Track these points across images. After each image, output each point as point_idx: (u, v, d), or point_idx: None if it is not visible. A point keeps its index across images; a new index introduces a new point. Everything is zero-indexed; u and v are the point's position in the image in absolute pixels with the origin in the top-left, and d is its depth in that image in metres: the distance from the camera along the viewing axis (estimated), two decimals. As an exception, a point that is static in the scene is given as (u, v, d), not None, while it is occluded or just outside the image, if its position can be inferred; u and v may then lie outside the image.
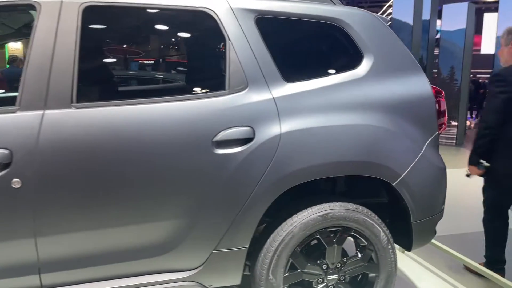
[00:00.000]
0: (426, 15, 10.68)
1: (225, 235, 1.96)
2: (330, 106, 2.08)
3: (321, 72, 2.17)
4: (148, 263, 1.93)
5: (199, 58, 2.14)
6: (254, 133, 1.95)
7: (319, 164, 2.01)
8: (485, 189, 2.97)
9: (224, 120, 1.93)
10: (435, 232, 2.37)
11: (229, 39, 2.00)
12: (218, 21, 1.99)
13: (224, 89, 1.98)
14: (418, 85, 2.25)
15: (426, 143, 2.22)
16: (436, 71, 11.32)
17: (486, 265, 2.95)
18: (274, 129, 1.97)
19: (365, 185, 2.33)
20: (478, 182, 3.04)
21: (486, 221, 2.99)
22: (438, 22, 11.69)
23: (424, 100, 2.24)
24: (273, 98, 2.01)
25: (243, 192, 1.94)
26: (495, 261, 2.94)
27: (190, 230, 1.93)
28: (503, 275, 2.86)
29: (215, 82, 2.06)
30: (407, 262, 3.24)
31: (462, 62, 10.11)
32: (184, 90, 2.08)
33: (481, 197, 3.04)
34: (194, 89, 2.09)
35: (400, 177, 2.13)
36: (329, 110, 2.07)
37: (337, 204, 2.11)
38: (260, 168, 1.95)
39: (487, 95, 2.88)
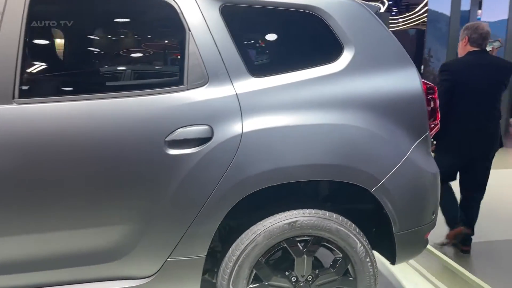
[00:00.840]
0: (465, 5, 10.09)
1: (180, 242, 1.82)
2: (302, 103, 1.89)
3: (294, 66, 1.97)
4: (99, 269, 1.81)
5: (156, 51, 1.99)
6: (212, 133, 1.79)
7: (284, 168, 1.83)
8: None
9: (178, 118, 1.78)
10: (424, 245, 2.13)
11: (189, 30, 1.84)
12: (178, 10, 1.84)
13: (181, 84, 1.83)
14: (406, 80, 2.01)
15: (413, 146, 1.99)
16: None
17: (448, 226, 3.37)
18: (235, 128, 1.80)
19: (349, 191, 2.13)
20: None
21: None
22: (478, 12, 11.03)
23: (412, 98, 2.00)
24: (236, 94, 1.84)
25: (198, 197, 1.79)
26: (453, 218, 3.34)
27: (143, 236, 1.80)
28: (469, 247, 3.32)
29: (172, 77, 1.92)
30: (404, 269, 2.99)
31: (503, 55, 9.49)
32: (138, 85, 1.94)
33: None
34: (149, 84, 1.95)
35: (380, 183, 1.91)
36: (300, 108, 1.88)
37: (307, 211, 1.91)
38: (218, 171, 1.79)
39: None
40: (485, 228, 3.77)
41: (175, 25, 1.86)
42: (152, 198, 1.77)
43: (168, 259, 1.83)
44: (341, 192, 2.13)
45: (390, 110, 1.96)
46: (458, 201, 3.35)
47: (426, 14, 10.56)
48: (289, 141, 1.84)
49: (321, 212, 1.92)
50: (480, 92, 3.05)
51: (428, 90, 2.06)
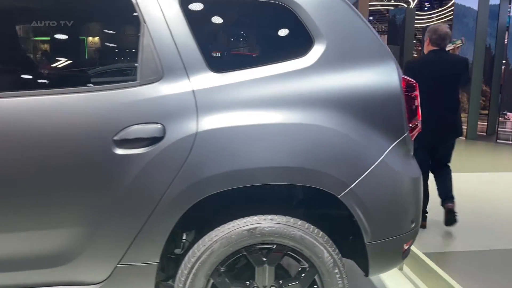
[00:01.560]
0: (494, -1, 9.66)
1: (131, 248, 1.71)
2: (264, 100, 1.75)
3: (259, 61, 1.84)
4: (46, 274, 1.72)
5: (108, 45, 1.89)
6: (164, 132, 1.67)
7: (241, 170, 1.69)
8: None
9: (128, 116, 1.67)
10: (402, 256, 1.95)
11: (144, 22, 1.73)
12: (133, 1, 1.73)
13: (134, 79, 1.72)
14: (383, 76, 1.84)
15: (389, 148, 1.81)
16: (505, 61, 10.20)
17: None
18: (189, 127, 1.68)
19: (321, 196, 1.97)
20: None
21: None
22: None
23: (389, 95, 1.83)
24: (193, 90, 1.72)
25: (148, 200, 1.68)
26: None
27: (91, 240, 1.70)
28: (424, 223, 3.76)
29: (124, 72, 1.81)
30: (400, 281, 2.80)
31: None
32: (88, 81, 1.84)
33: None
34: (100, 79, 1.84)
35: (348, 188, 1.75)
36: (262, 106, 1.74)
37: (268, 217, 1.77)
38: (169, 172, 1.67)
39: None
40: (487, 235, 3.55)
41: (129, 17, 1.76)
42: (99, 200, 1.67)
43: (118, 265, 1.73)
44: (312, 197, 1.97)
45: (363, 108, 1.80)
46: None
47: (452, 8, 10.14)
48: (248, 141, 1.70)
49: (284, 218, 1.78)
50: (438, 85, 3.49)
51: (408, 87, 1.88)
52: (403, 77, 1.88)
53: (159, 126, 1.67)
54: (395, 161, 1.82)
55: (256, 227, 1.75)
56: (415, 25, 13.05)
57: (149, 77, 1.72)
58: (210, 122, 1.69)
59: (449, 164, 3.76)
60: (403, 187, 1.86)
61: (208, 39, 1.83)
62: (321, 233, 1.81)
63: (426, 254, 3.00)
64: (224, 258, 1.77)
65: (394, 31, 11.90)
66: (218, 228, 1.77)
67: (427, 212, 3.78)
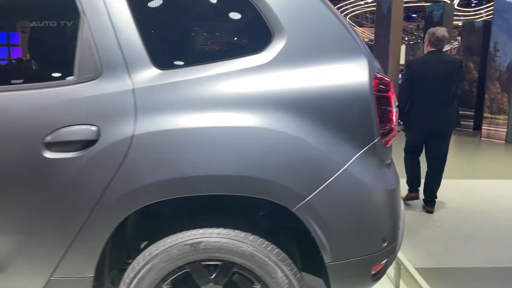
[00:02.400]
0: (538, -8, 8.98)
1: (63, 260, 1.58)
2: (211, 101, 1.56)
3: (211, 56, 1.66)
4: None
5: (44, 39, 1.75)
6: (99, 134, 1.53)
7: (180, 178, 1.52)
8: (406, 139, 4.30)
9: (60, 117, 1.54)
10: (372, 279, 1.71)
11: (84, 15, 1.59)
12: None
13: (70, 77, 1.59)
14: (351, 75, 1.61)
15: (355, 156, 1.59)
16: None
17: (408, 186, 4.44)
18: (126, 130, 1.53)
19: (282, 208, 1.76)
20: None
21: (405, 159, 4.34)
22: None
23: (356, 96, 1.60)
24: (133, 89, 1.56)
25: (80, 209, 1.54)
26: (411, 183, 4.43)
27: (21, 250, 1.58)
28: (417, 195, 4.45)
29: (60, 69, 1.67)
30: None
31: None
32: (20, 78, 1.72)
33: None
34: (33, 76, 1.72)
35: (304, 201, 1.54)
36: (209, 107, 1.55)
37: (215, 230, 1.59)
38: (102, 179, 1.52)
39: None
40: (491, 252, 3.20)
41: (67, 8, 1.62)
42: (28, 207, 1.54)
43: (51, 278, 1.60)
44: (273, 209, 1.77)
45: (325, 111, 1.58)
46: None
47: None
48: (189, 146, 1.52)
49: (233, 233, 1.59)
50: (433, 82, 3.92)
51: (379, 87, 1.64)
52: (377, 76, 1.64)
53: (93, 128, 1.53)
54: (362, 171, 1.60)
55: (200, 242, 1.57)
56: (459, 22, 12.36)
57: (86, 74, 1.57)
58: (148, 124, 1.53)
59: (443, 162, 4.18)
60: (372, 200, 1.62)
61: (154, 33, 1.66)
62: (276, 250, 1.61)
63: (426, 269, 2.73)
64: (166, 275, 1.60)
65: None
66: (160, 241, 1.60)
67: (436, 197, 4.20)
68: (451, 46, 4.29)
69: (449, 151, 4.20)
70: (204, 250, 1.57)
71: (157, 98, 1.56)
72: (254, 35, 1.69)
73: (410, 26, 29.52)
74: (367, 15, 27.54)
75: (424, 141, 4.17)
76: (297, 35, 1.62)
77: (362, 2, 23.75)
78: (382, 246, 1.66)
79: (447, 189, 4.97)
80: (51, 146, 1.52)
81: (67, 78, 1.59)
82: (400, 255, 2.76)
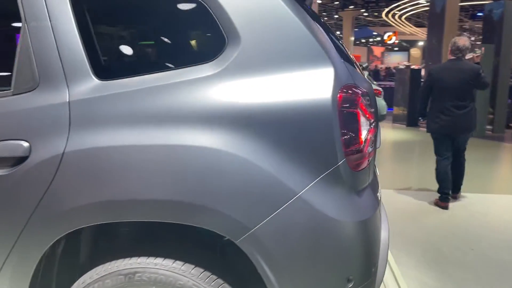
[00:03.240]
0: None
1: None
2: (150, 116, 1.39)
3: (156, 66, 1.50)
4: None
5: None
6: (30, 150, 1.41)
7: (107, 202, 1.37)
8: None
9: None
10: None
11: (25, 21, 1.48)
12: None
13: (7, 88, 1.48)
14: (311, 87, 1.38)
15: (313, 182, 1.36)
16: None
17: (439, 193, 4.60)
18: (57, 146, 1.40)
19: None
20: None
21: (436, 162, 4.62)
22: None
23: (315, 112, 1.37)
24: (68, 101, 1.43)
25: (7, 233, 1.43)
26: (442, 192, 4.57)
27: None
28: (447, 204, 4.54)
29: (1, 80, 1.57)
30: None
31: None
32: None
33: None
34: None
35: (249, 232, 1.33)
36: (147, 122, 1.39)
37: (154, 260, 1.42)
38: (31, 200, 1.40)
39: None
40: None
41: (11, 16, 1.52)
42: None
43: None
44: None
45: (278, 129, 1.36)
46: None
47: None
48: (123, 166, 1.37)
49: (173, 264, 1.41)
50: (451, 88, 4.39)
51: (345, 102, 1.39)
52: (344, 88, 1.40)
53: (25, 144, 1.41)
54: (321, 199, 1.36)
55: (136, 272, 1.41)
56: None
57: (23, 85, 1.47)
58: (81, 140, 1.39)
59: (465, 153, 4.67)
60: (333, 234, 1.38)
61: (99, 40, 1.52)
62: (222, 284, 1.42)
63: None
64: (101, 307, 1.45)
65: (490, 28, 10.49)
66: (95, 268, 1.46)
67: (449, 194, 4.56)
68: (474, 54, 4.65)
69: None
70: (140, 282, 1.40)
71: (92, 111, 1.41)
72: (207, 41, 1.52)
73: (477, 25, 27.78)
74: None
75: (447, 141, 4.52)
76: (252, 41, 1.42)
77: (422, 1, 22.69)
78: (346, 287, 1.41)
79: (495, 205, 4.57)
80: None
81: (3, 90, 1.48)
82: (416, 278, 2.46)
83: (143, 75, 1.45)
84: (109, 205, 1.37)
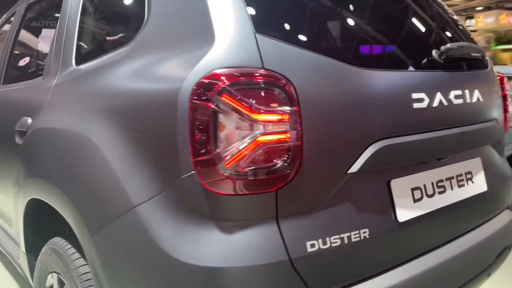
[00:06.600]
0: None
1: None
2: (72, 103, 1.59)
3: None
4: None
5: None
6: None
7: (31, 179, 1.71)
8: None
9: None
10: None
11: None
12: None
13: None
14: (174, 72, 1.19)
15: (152, 197, 1.14)
16: None
17: None
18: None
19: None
20: None
21: None
22: None
23: (162, 107, 1.15)
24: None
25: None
26: None
27: None
28: None
29: None
30: None
31: None
32: None
33: None
34: None
35: (89, 238, 1.28)
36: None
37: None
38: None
39: None
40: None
41: None
42: None
43: None
44: None
45: (135, 125, 1.23)
46: None
47: None
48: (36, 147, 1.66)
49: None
50: None
51: (200, 94, 1.07)
52: (213, 75, 1.07)
53: None
54: (159, 221, 1.13)
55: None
56: None
57: None
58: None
59: None
60: (164, 273, 1.11)
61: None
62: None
63: None
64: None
65: None
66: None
67: None
68: None
69: None
70: None
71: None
72: (129, 23, 1.56)
73: None
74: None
75: None
76: (155, 22, 1.30)
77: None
78: None
79: None
80: None
81: None
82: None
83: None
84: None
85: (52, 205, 1.47)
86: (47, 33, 2.03)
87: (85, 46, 1.70)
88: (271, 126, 1.06)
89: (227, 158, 1.05)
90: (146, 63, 1.26)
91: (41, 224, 1.71)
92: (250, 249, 1.08)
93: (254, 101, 1.05)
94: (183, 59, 1.16)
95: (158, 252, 1.10)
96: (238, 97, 1.04)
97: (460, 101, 1.47)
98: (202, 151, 1.06)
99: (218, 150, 1.05)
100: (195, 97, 1.06)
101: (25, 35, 2.26)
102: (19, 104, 1.84)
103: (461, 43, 1.54)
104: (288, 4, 1.30)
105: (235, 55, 1.10)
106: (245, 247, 1.08)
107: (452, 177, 1.53)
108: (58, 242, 1.53)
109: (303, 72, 1.14)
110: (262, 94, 1.06)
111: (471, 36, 1.85)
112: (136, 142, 1.20)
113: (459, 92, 1.46)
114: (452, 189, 1.51)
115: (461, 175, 1.57)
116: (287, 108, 1.08)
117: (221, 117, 1.05)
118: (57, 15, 1.78)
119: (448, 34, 1.72)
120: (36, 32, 2.20)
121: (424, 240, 1.43)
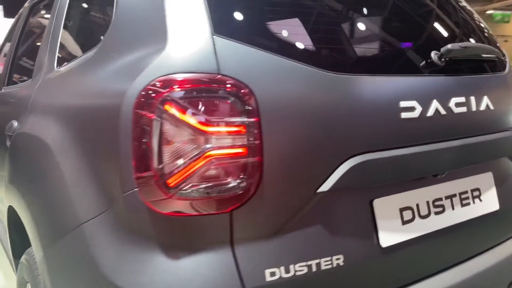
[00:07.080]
0: None
1: None
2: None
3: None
4: None
5: None
6: None
7: None
8: None
9: None
10: None
11: None
12: None
13: None
14: (122, 75, 1.09)
15: (101, 213, 1.07)
16: None
17: None
18: None
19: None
20: None
21: None
22: None
23: (107, 114, 1.09)
24: None
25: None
26: None
27: None
28: None
29: None
30: None
31: None
32: None
33: None
34: None
35: (40, 254, 1.24)
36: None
37: None
38: None
39: None
40: None
41: None
42: None
43: None
44: None
45: (83, 130, 1.19)
46: None
47: None
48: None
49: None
50: None
51: (144, 103, 0.96)
52: (157, 83, 0.96)
53: None
54: (101, 241, 1.05)
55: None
56: None
57: None
58: None
59: None
60: None
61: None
62: None
63: None
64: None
65: None
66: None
67: None
68: None
69: None
70: None
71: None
72: (101, 25, 1.44)
73: None
74: None
75: None
76: (118, 22, 1.21)
77: None
78: None
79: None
80: None
81: None
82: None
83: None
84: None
85: (19, 214, 1.43)
86: (42, 35, 1.99)
87: (67, 48, 1.65)
88: (224, 139, 0.96)
89: (172, 174, 0.95)
90: (102, 67, 1.20)
91: (23, 232, 1.67)
92: (198, 278, 0.97)
93: (203, 111, 0.94)
94: (134, 64, 1.06)
95: (98, 276, 1.02)
96: (184, 107, 0.94)
97: (463, 109, 1.28)
98: (144, 167, 0.96)
99: (160, 166, 0.94)
100: (137, 106, 0.97)
101: (26, 36, 2.27)
102: (11, 107, 1.84)
103: (464, 44, 1.33)
104: (255, 2, 1.16)
105: (186, 59, 0.99)
106: (192, 276, 0.97)
107: (454, 195, 1.36)
108: (31, 253, 1.47)
109: (267, 78, 1.02)
110: (215, 102, 0.96)
111: (488, 34, 1.62)
112: (87, 153, 1.13)
113: (461, 99, 1.28)
114: (453, 208, 1.34)
115: (465, 192, 1.39)
116: (244, 119, 0.96)
117: (165, 129, 0.94)
118: (48, 16, 1.79)
119: (454, 32, 1.50)
120: (35, 34, 2.18)
121: (416, 268, 1.27)
